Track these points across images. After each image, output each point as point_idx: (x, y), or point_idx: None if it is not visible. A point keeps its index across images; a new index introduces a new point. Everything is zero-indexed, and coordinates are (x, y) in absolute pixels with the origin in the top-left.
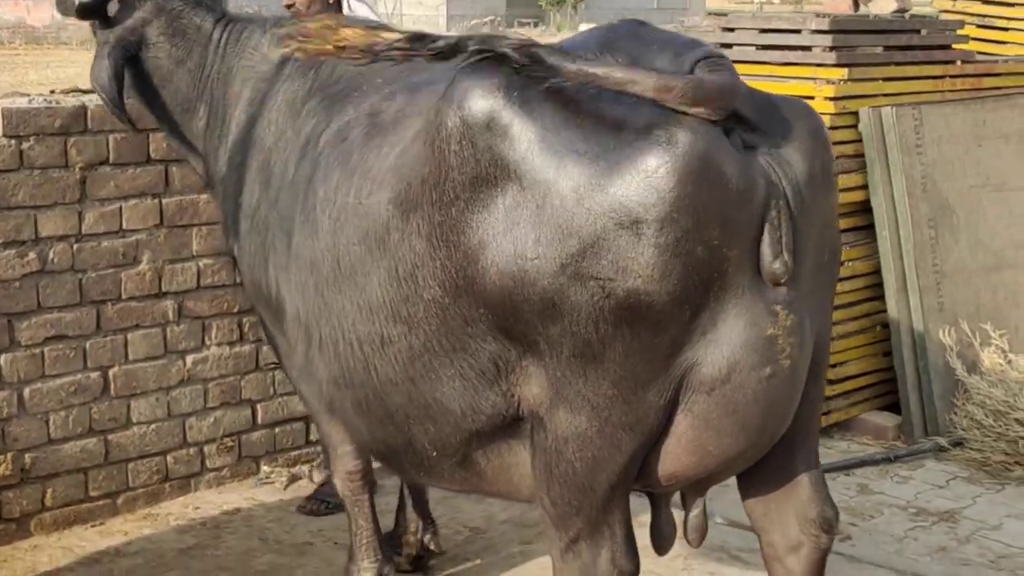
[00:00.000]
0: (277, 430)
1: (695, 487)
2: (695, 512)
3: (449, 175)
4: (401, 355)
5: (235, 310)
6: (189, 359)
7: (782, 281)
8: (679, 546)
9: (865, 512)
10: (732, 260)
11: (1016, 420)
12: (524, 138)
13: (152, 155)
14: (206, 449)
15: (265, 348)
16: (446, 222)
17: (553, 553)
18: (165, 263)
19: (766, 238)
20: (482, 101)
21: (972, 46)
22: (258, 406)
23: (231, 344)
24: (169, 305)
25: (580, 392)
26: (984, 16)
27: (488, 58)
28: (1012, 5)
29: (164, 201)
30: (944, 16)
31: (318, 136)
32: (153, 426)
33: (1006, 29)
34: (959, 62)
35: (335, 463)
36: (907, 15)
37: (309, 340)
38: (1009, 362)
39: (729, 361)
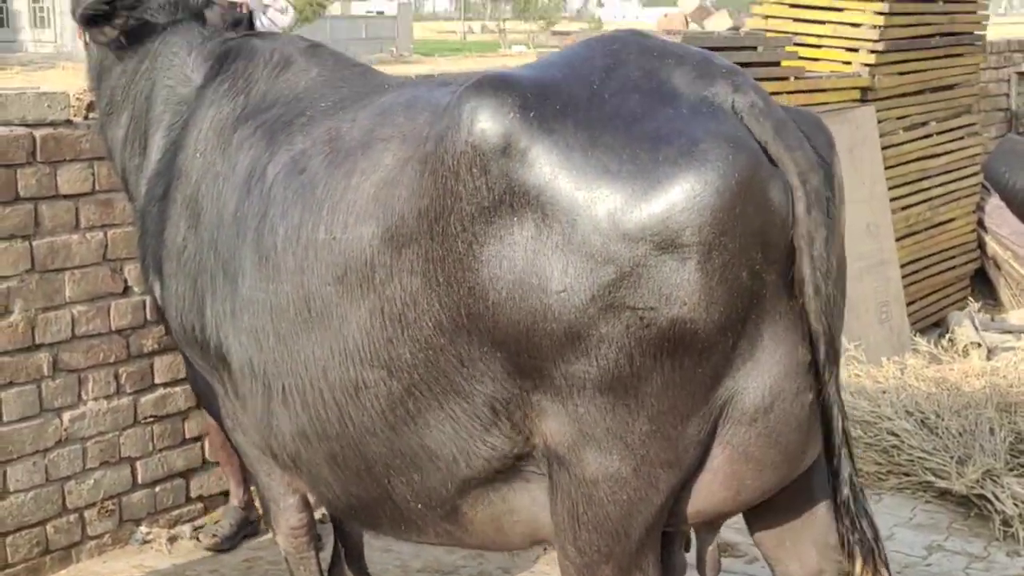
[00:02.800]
0: (158, 489)
1: (714, 521)
2: (710, 548)
3: (455, 206)
4: (380, 401)
5: (111, 360)
6: (66, 417)
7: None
8: None
9: None
10: (772, 284)
11: (885, 429)
12: (547, 161)
13: (20, 193)
14: (87, 515)
15: (143, 400)
16: (449, 257)
17: None
18: (38, 312)
19: (800, 259)
20: (495, 123)
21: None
22: (137, 464)
23: (107, 398)
24: (43, 358)
25: (610, 430)
26: (796, 34)
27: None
28: (822, 23)
29: (35, 243)
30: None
31: (262, 168)
32: (31, 493)
33: (818, 46)
34: (792, 78)
35: (277, 518)
36: (741, 31)
37: (269, 392)
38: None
39: (772, 390)
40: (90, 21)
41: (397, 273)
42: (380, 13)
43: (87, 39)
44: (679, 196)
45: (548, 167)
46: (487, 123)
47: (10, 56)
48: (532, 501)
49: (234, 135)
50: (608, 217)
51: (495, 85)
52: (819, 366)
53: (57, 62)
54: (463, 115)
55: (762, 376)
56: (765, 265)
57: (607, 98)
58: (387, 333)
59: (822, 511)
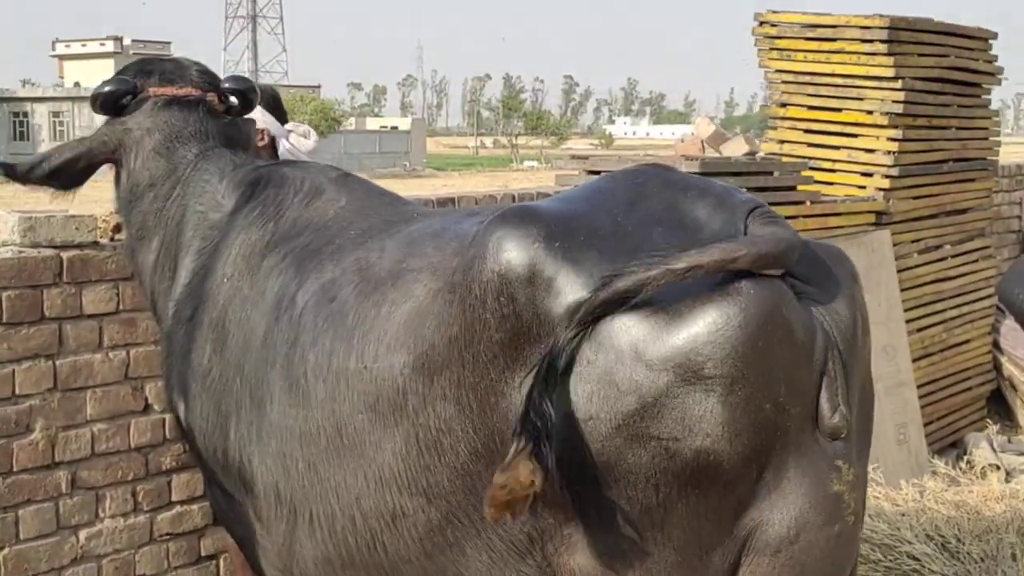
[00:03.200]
0: None
1: None
2: None
3: (484, 334)
4: (418, 529)
5: (129, 478)
6: (82, 534)
7: (842, 435)
8: None
9: None
10: (796, 415)
11: (906, 553)
12: (572, 290)
13: (47, 313)
14: None
15: (160, 518)
16: (481, 383)
17: None
18: (59, 430)
19: (824, 392)
20: (521, 252)
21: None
22: None
23: (124, 516)
24: (62, 476)
25: (637, 561)
26: (812, 159)
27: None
28: (837, 148)
29: (58, 362)
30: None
31: (292, 295)
32: None
33: (833, 171)
34: (808, 202)
35: None
36: (757, 156)
37: (295, 518)
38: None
39: (797, 521)
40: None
41: (431, 401)
42: (394, 128)
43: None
44: (701, 329)
45: (573, 296)
46: (513, 252)
47: None
48: None
49: (263, 261)
50: (631, 347)
51: (521, 216)
52: (844, 497)
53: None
54: (489, 245)
55: (788, 507)
56: (789, 397)
57: (630, 230)
58: (424, 461)
59: None
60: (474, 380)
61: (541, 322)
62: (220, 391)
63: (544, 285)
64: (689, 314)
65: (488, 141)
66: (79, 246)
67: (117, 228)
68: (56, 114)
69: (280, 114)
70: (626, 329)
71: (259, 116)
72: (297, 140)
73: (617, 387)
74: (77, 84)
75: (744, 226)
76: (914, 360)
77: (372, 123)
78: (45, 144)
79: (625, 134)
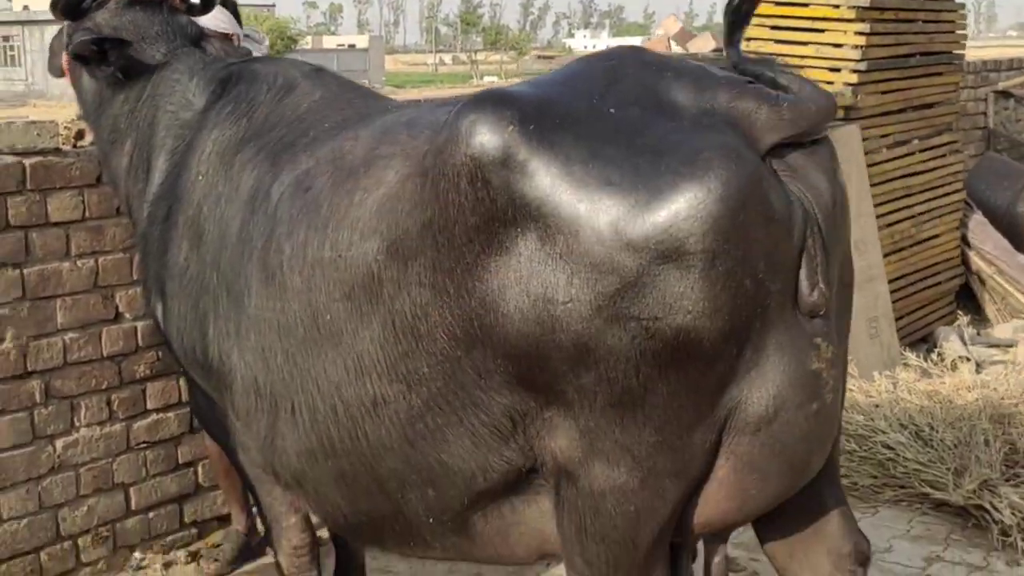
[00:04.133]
0: (151, 515)
1: (720, 532)
2: (716, 559)
3: (459, 218)
4: (399, 416)
5: (103, 387)
6: (59, 444)
7: (820, 312)
8: None
9: (755, 548)
10: (775, 292)
11: (880, 443)
12: (546, 173)
13: (11, 221)
14: (80, 542)
15: (136, 426)
16: (457, 268)
17: None
18: (29, 339)
19: (804, 269)
20: (494, 136)
21: None
22: (131, 490)
23: (100, 424)
24: (35, 385)
25: (618, 442)
26: (779, 55)
27: None
28: (805, 44)
29: (25, 271)
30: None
31: (267, 189)
32: (25, 521)
33: (801, 67)
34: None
35: (278, 539)
36: (725, 53)
37: (275, 411)
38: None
39: (776, 399)
40: (83, 61)
41: (406, 286)
42: (352, 46)
43: (75, 73)
44: (682, 205)
45: (548, 179)
46: (486, 136)
47: None
48: (540, 513)
49: (237, 157)
50: (611, 227)
51: (494, 100)
52: (823, 374)
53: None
54: (462, 128)
55: (766, 386)
56: (769, 273)
57: (607, 112)
58: (402, 347)
59: (834, 521)
60: (449, 264)
61: (516, 205)
62: (198, 289)
63: (518, 168)
64: (669, 191)
65: (447, 58)
66: (42, 152)
67: (80, 134)
68: (6, 38)
69: (237, 17)
70: (606, 209)
71: (222, 17)
72: (249, 44)
73: (597, 268)
74: (26, 8)
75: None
76: (884, 255)
77: (329, 41)
78: None
79: (585, 47)
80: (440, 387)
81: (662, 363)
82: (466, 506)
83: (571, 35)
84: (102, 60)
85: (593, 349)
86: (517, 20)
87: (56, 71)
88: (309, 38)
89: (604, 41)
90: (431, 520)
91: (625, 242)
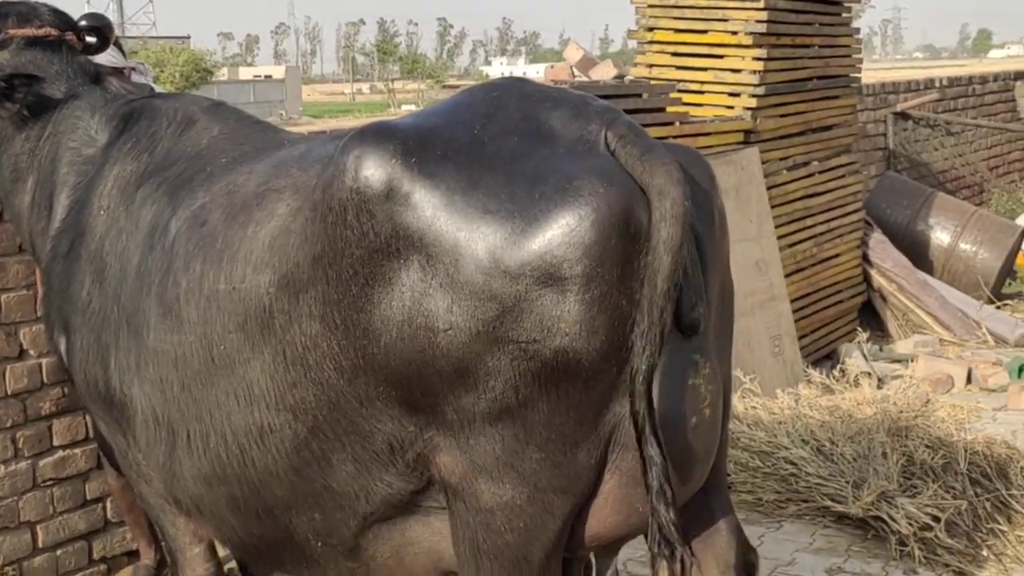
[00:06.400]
0: (59, 552)
1: (611, 547)
2: (608, 573)
3: (345, 251)
4: (284, 444)
5: (8, 424)
6: None
7: (699, 331)
8: None
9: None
10: None
11: (783, 459)
12: (428, 204)
13: None
14: None
15: (42, 463)
16: (344, 300)
17: None
18: None
19: (683, 288)
20: (378, 169)
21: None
22: (38, 528)
23: (5, 463)
24: None
25: (501, 459)
26: (680, 81)
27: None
28: (704, 70)
29: None
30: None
31: (165, 223)
32: None
33: (701, 92)
34: (678, 123)
35: (183, 568)
36: (626, 80)
37: (173, 439)
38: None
39: (657, 414)
40: None
41: (296, 319)
42: (268, 77)
43: None
44: (555, 232)
45: (430, 210)
46: (370, 170)
47: None
48: (432, 532)
49: (137, 192)
50: (489, 255)
51: (377, 133)
52: (701, 390)
53: None
54: (348, 163)
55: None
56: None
57: (487, 141)
58: (290, 377)
59: (722, 532)
60: (337, 296)
61: (399, 236)
62: (100, 323)
63: (401, 200)
64: (543, 218)
65: (365, 87)
66: None
67: None
68: None
69: (121, 51)
70: (484, 237)
71: (112, 51)
72: (138, 77)
73: (477, 295)
74: None
75: (604, 140)
76: (787, 275)
77: (245, 72)
78: None
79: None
80: (325, 415)
81: (542, 383)
82: (354, 530)
83: (488, 63)
84: (8, 97)
85: (473, 372)
86: (434, 48)
87: None
88: (225, 69)
89: (521, 68)
90: (320, 544)
91: (503, 269)
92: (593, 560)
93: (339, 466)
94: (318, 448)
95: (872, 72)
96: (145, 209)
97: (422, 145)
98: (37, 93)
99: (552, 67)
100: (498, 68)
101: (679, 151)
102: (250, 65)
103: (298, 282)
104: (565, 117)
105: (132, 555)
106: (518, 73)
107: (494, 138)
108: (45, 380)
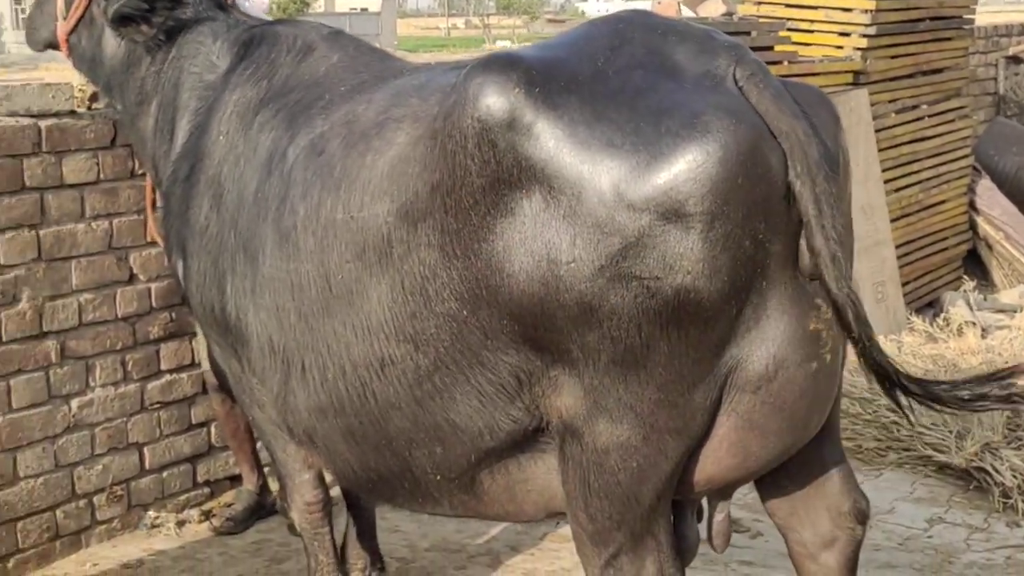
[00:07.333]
0: (165, 474)
1: (723, 490)
2: (720, 517)
3: (466, 180)
4: (407, 376)
5: (118, 347)
6: (74, 403)
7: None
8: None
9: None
10: (775, 254)
11: (884, 405)
12: (551, 135)
13: (27, 183)
14: (96, 500)
15: (150, 386)
16: (464, 229)
17: (590, 571)
18: (45, 300)
19: (805, 230)
20: (500, 98)
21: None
22: (145, 450)
23: (115, 384)
24: (51, 345)
25: (622, 399)
26: (789, 19)
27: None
28: (814, 8)
29: (41, 232)
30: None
31: (283, 151)
32: (41, 479)
33: (810, 31)
34: (786, 62)
35: (292, 494)
36: (735, 18)
37: (288, 369)
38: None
39: (776, 358)
40: (125, 20)
41: (415, 248)
42: (364, 10)
43: (88, 38)
44: (682, 167)
45: (553, 141)
46: (492, 98)
47: None
48: (547, 471)
49: (256, 118)
50: (613, 189)
51: (501, 63)
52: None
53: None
54: (470, 91)
55: (766, 345)
56: (768, 235)
57: (611, 75)
58: (410, 307)
59: (834, 480)
60: (457, 226)
61: (521, 167)
62: (217, 247)
63: (524, 130)
64: (669, 153)
65: (460, 22)
66: (56, 115)
67: (94, 97)
68: (18, 1)
69: None
70: (608, 170)
71: None
72: (248, 8)
73: (600, 229)
74: None
75: (733, 76)
76: (892, 220)
77: (342, 5)
78: (8, 33)
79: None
80: (447, 347)
81: (663, 322)
82: (473, 464)
83: (584, 0)
84: (148, 21)
85: (596, 308)
86: None
87: (38, 45)
88: (322, 1)
89: (617, 5)
90: (439, 478)
91: (626, 203)
92: (705, 505)
93: (462, 400)
94: (441, 381)
95: (984, 15)
96: (263, 135)
97: (546, 76)
98: (175, 17)
99: (659, 3)
100: (594, 5)
101: (803, 90)
102: None
103: (416, 211)
104: (691, 51)
105: (235, 479)
106: (614, 10)
107: (619, 71)
108: (154, 304)
